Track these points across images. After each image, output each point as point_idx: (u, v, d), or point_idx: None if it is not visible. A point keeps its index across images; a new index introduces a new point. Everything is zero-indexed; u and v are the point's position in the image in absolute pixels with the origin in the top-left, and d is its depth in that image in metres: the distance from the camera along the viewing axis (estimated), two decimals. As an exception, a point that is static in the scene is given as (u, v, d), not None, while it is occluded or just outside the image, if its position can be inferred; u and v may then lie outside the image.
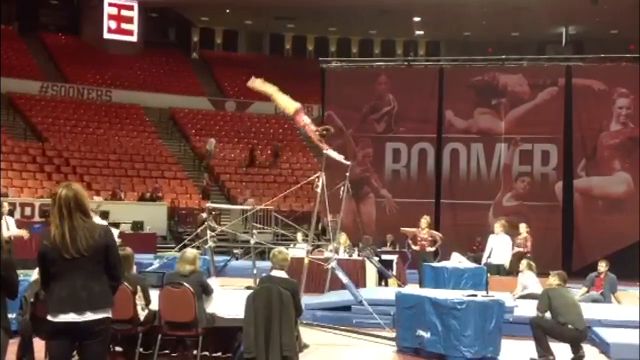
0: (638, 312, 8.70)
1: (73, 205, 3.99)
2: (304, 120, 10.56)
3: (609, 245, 15.31)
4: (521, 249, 12.85)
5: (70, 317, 3.93)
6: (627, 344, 7.63)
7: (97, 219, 10.99)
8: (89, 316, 3.95)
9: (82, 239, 3.95)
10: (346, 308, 9.58)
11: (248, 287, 7.93)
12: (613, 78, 16.72)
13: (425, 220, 13.43)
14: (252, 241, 11.51)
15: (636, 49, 22.18)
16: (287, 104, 10.71)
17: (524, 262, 10.90)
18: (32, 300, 6.34)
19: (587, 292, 10.82)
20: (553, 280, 7.51)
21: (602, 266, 10.96)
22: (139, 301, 6.64)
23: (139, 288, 6.67)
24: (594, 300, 10.44)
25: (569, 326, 7.18)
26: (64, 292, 3.94)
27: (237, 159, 27.20)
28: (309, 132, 10.64)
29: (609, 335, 8.07)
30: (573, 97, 16.84)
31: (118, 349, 6.99)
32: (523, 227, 13.23)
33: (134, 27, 30.47)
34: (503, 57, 18.11)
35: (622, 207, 16.36)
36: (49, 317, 3.98)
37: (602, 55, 17.65)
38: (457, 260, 12.32)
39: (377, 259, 13.26)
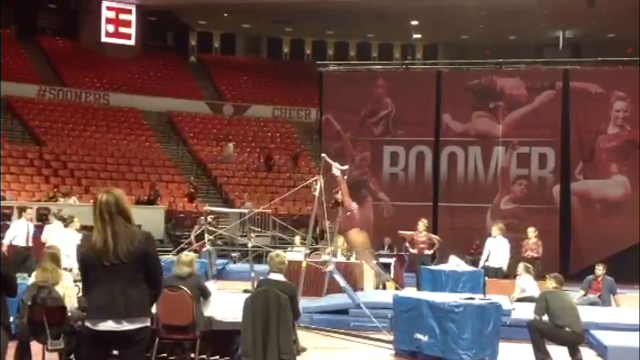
0: (636, 314, 8.71)
1: (114, 210, 3.92)
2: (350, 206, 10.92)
3: (607, 248, 15.32)
4: (533, 254, 12.74)
5: (109, 325, 3.87)
6: (625, 347, 7.63)
7: (56, 224, 10.95)
8: (127, 326, 3.88)
9: (122, 244, 3.87)
10: (344, 311, 9.58)
11: (246, 291, 7.92)
12: (610, 81, 16.74)
13: (422, 224, 13.43)
14: (250, 244, 11.51)
15: (633, 52, 22.25)
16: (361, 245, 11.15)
17: (521, 266, 10.89)
18: (29, 303, 6.34)
19: (585, 295, 10.82)
20: (549, 283, 7.52)
21: (600, 269, 10.96)
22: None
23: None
24: (592, 303, 10.44)
25: (567, 329, 7.18)
26: (102, 299, 3.88)
27: (235, 163, 27.20)
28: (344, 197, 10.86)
29: (607, 338, 8.06)
30: (570, 100, 16.87)
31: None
32: (532, 232, 13.06)
33: (132, 30, 30.47)
34: (500, 60, 18.14)
35: (620, 210, 16.38)
36: (88, 324, 3.92)
37: (600, 58, 17.70)
38: (455, 264, 12.32)
39: (374, 262, 13.26)
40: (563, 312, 7.22)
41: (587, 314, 8.22)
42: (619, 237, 15.79)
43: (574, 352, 7.29)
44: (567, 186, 16.77)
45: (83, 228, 11.13)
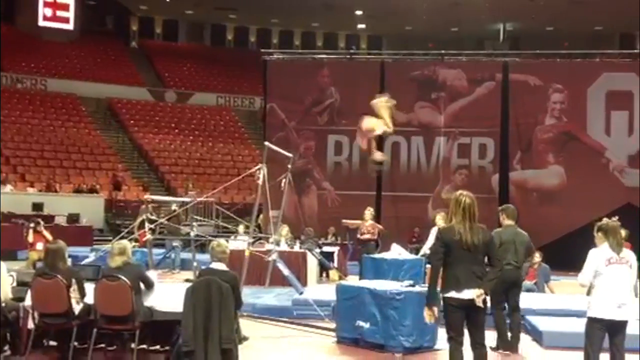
0: (570, 300, 8.98)
1: (473, 210, 5.18)
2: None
3: (543, 236, 15.70)
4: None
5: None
6: (559, 332, 7.87)
7: None
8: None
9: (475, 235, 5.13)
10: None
11: (187, 280, 7.84)
12: (548, 74, 17.18)
13: (369, 212, 13.52)
14: (193, 233, 11.40)
15: (570, 45, 22.84)
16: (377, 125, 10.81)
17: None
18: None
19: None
20: None
21: (536, 257, 11.24)
22: (74, 294, 6.50)
23: (73, 281, 6.53)
24: (528, 290, 10.69)
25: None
26: (462, 274, 5.09)
27: (177, 151, 26.84)
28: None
29: (542, 323, 8.31)
30: (510, 92, 17.23)
31: (52, 343, 6.83)
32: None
33: (70, 14, 29.66)
34: (443, 51, 18.38)
35: (556, 200, 16.86)
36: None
37: (538, 51, 18.11)
38: (397, 252, 12.44)
39: (318, 250, 13.31)
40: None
41: (523, 300, 8.41)
42: (555, 226, 16.24)
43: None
44: (505, 176, 17.16)
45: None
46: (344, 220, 14.64)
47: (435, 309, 5.28)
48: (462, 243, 5.13)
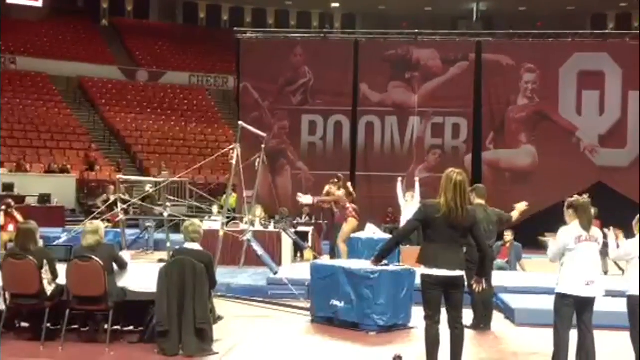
0: (540, 278, 9.12)
1: (464, 187, 5.23)
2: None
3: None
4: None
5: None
6: (531, 310, 7.98)
7: None
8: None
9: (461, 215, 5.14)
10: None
11: (161, 260, 7.81)
12: (521, 54, 17.27)
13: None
14: (166, 214, 11.34)
15: (543, 25, 22.94)
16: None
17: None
18: None
19: (494, 260, 11.21)
20: None
21: (508, 235, 11.40)
22: (46, 275, 6.43)
23: (45, 262, 6.46)
24: (500, 268, 10.83)
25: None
26: (437, 251, 5.14)
27: (149, 130, 26.57)
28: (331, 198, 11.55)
29: (514, 301, 8.43)
30: (483, 72, 17.30)
31: (24, 324, 6.77)
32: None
33: (39, -9, 29.08)
34: (416, 31, 18.35)
35: (528, 179, 17.03)
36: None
37: (511, 31, 18.18)
38: (371, 231, 12.50)
39: (293, 230, 13.30)
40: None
41: (496, 279, 8.53)
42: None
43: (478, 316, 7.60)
44: (478, 156, 17.29)
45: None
46: (317, 199, 14.59)
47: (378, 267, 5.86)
48: (444, 220, 5.10)
